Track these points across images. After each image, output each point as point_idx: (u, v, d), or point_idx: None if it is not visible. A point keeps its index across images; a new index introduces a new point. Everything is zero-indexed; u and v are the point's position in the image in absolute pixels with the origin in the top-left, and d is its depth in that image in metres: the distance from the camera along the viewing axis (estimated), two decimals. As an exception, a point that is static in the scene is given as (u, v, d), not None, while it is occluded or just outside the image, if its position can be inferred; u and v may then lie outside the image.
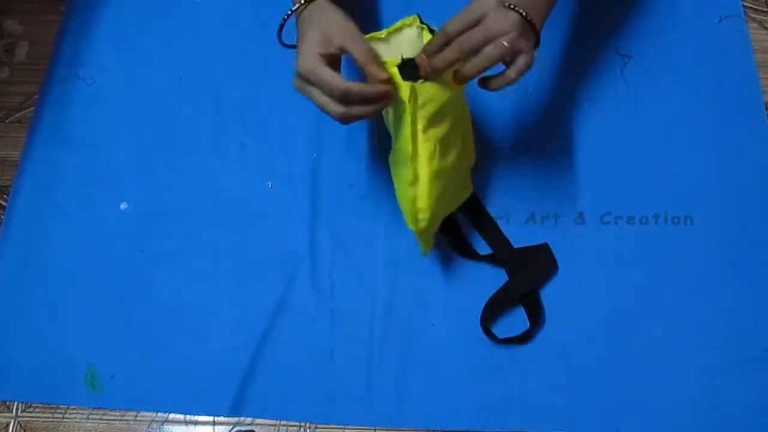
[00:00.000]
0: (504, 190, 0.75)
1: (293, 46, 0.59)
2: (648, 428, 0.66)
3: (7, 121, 0.82)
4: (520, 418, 0.66)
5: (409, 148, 0.59)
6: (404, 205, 0.64)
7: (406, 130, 0.58)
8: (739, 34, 0.83)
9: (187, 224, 0.75)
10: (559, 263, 0.71)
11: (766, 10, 0.86)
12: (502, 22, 0.53)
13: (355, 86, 0.54)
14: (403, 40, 0.62)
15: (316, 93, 0.55)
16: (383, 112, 0.67)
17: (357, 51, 0.55)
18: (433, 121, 0.59)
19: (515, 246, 0.72)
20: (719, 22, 0.84)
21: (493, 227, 0.73)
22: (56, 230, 0.75)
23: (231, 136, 0.79)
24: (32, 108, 0.82)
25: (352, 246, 0.73)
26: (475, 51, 0.54)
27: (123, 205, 0.76)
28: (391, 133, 0.66)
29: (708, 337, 0.68)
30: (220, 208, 0.75)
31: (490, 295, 0.70)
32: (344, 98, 0.54)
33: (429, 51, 0.56)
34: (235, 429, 0.67)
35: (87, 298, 0.72)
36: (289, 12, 0.58)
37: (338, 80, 0.54)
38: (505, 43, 0.53)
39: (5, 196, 0.77)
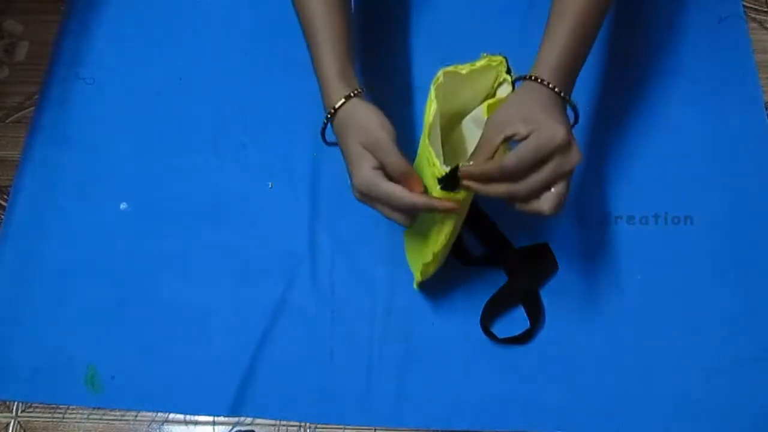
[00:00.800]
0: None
1: (335, 144, 0.60)
2: (648, 428, 0.66)
3: (7, 121, 0.82)
4: (520, 418, 0.66)
5: (437, 245, 0.59)
6: (414, 261, 0.66)
7: (440, 236, 0.59)
8: (739, 34, 0.83)
9: (187, 224, 0.75)
10: (559, 263, 0.71)
11: (766, 10, 0.86)
12: (564, 167, 0.52)
13: (422, 200, 0.54)
14: (481, 83, 0.60)
15: (380, 206, 0.56)
16: None
17: (393, 167, 0.55)
18: (463, 212, 0.60)
19: (515, 246, 0.72)
20: (719, 22, 0.84)
21: (491, 228, 0.72)
22: (56, 230, 0.75)
23: (231, 136, 0.79)
24: (32, 108, 0.82)
25: (352, 246, 0.73)
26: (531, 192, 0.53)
27: (123, 205, 0.76)
28: None
29: (708, 337, 0.68)
30: (220, 208, 0.75)
31: (490, 295, 0.70)
32: (410, 211, 0.55)
33: (476, 175, 0.53)
34: (235, 429, 0.67)
35: (87, 298, 0.72)
36: (326, 120, 0.59)
37: (403, 195, 0.54)
38: (563, 194, 0.53)
39: (5, 196, 0.77)
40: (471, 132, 0.62)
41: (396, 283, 0.71)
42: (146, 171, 0.77)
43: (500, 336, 0.68)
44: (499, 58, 0.59)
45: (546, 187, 0.52)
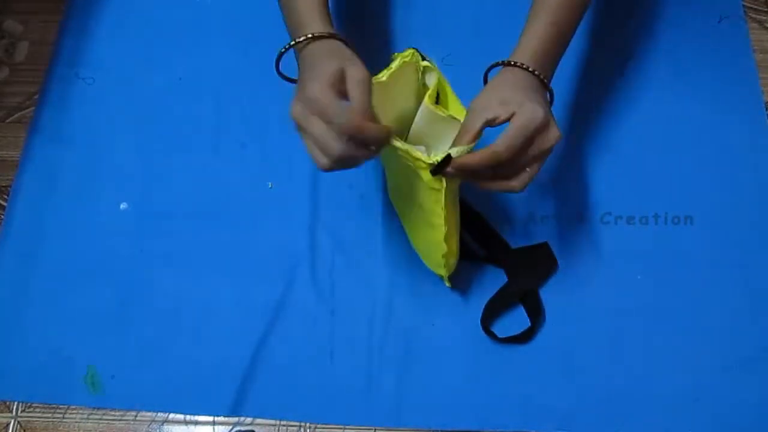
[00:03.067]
0: (504, 190, 0.75)
1: (293, 80, 0.57)
2: (648, 428, 0.66)
3: (7, 121, 0.82)
4: (520, 418, 0.66)
5: (443, 230, 0.59)
6: (434, 261, 0.66)
7: (438, 219, 0.59)
8: (739, 34, 0.83)
9: (187, 224, 0.75)
10: (558, 263, 0.71)
11: (766, 10, 0.86)
12: (544, 146, 0.53)
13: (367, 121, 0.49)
14: (406, 81, 0.60)
15: (317, 125, 0.50)
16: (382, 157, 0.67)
17: (357, 98, 0.50)
18: (456, 194, 0.60)
19: (515, 246, 0.72)
20: (719, 22, 0.84)
21: (486, 228, 0.72)
22: (56, 230, 0.75)
23: (231, 136, 0.79)
24: (32, 108, 0.82)
25: (352, 246, 0.73)
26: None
27: (123, 205, 0.76)
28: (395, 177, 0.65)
29: (708, 337, 0.68)
30: (220, 209, 0.75)
31: (490, 295, 0.70)
32: (353, 132, 0.49)
33: (473, 166, 0.53)
34: (235, 429, 0.67)
35: (87, 298, 0.71)
36: (291, 43, 0.56)
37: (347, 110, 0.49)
38: (536, 171, 0.54)
39: (5, 196, 0.77)
40: (429, 130, 0.61)
41: (396, 283, 0.71)
42: (146, 171, 0.77)
43: (500, 335, 0.68)
44: (409, 51, 0.60)
45: (526, 166, 0.53)
